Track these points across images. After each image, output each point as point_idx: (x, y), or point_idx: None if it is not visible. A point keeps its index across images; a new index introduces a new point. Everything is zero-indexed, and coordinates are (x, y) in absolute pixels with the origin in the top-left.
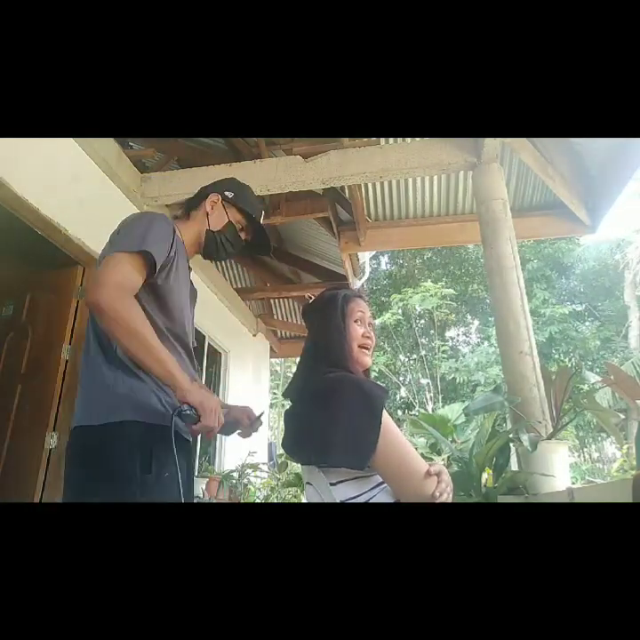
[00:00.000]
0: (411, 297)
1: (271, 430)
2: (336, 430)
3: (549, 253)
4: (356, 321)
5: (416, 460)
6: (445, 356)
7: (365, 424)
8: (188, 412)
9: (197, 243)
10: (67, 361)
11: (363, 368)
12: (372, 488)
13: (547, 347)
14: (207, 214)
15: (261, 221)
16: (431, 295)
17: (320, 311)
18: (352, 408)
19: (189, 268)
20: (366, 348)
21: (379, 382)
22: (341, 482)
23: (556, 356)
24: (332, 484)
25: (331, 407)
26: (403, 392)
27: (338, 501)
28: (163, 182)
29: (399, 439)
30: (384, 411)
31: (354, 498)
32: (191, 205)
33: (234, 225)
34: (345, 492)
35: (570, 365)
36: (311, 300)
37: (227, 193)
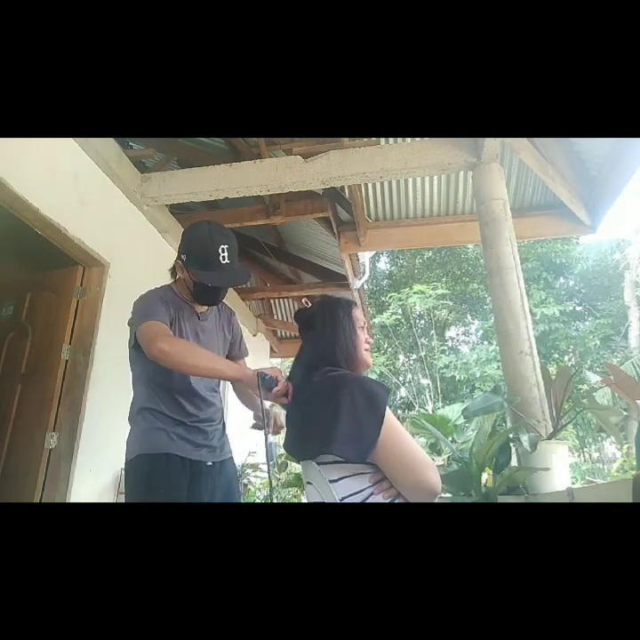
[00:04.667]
0: (408, 297)
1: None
2: (340, 422)
3: (544, 253)
4: (360, 327)
5: (418, 452)
6: (445, 355)
7: (367, 420)
8: (267, 378)
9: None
10: (67, 361)
11: (367, 368)
12: (373, 484)
13: (543, 347)
14: (183, 279)
15: (221, 259)
16: (427, 297)
17: (327, 315)
18: (355, 403)
19: (199, 314)
20: (367, 351)
21: (378, 381)
22: (343, 478)
23: (556, 356)
24: (333, 481)
25: (334, 402)
26: (403, 392)
27: (340, 497)
28: (163, 182)
29: (402, 433)
30: (387, 408)
31: (356, 494)
32: (174, 272)
33: (199, 284)
34: (348, 487)
35: (569, 365)
36: (311, 305)
37: (183, 256)
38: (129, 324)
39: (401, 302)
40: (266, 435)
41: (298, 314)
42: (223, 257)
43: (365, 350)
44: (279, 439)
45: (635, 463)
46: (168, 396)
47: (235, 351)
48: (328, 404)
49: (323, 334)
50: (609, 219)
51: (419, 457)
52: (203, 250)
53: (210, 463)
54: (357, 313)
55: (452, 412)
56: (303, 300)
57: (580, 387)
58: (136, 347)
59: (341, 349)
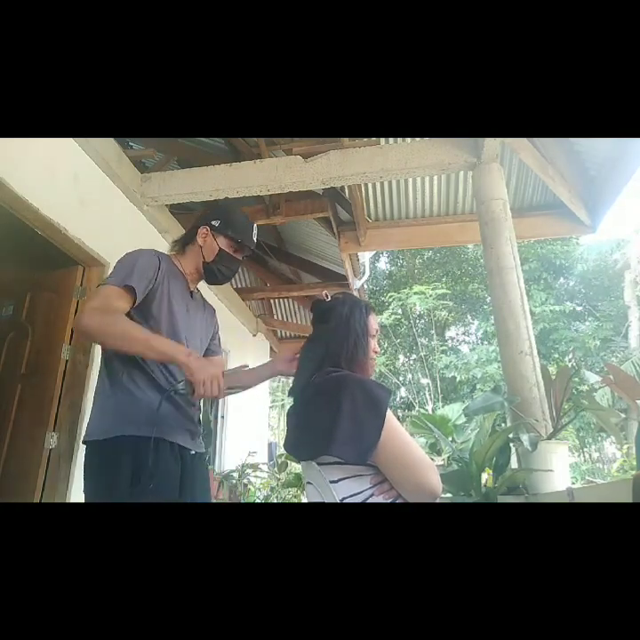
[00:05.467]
0: (408, 297)
1: (271, 430)
2: (340, 423)
3: (544, 254)
4: (371, 335)
5: (419, 454)
6: (445, 355)
7: (368, 421)
8: (182, 390)
9: (198, 273)
10: (67, 361)
11: (368, 376)
12: (374, 485)
13: (543, 347)
14: (201, 247)
15: (253, 236)
16: (427, 297)
17: (344, 313)
18: (356, 405)
19: (192, 292)
20: (373, 360)
21: (380, 383)
22: (343, 479)
23: (556, 356)
24: (333, 482)
25: (336, 403)
26: (403, 392)
27: (340, 498)
28: (163, 182)
29: (402, 435)
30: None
31: (356, 494)
32: (187, 240)
33: (225, 251)
34: (348, 488)
35: (569, 365)
36: (329, 300)
37: (213, 222)
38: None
39: (401, 302)
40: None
41: (315, 304)
42: (255, 234)
43: (371, 359)
44: (279, 439)
45: (635, 463)
46: (162, 364)
47: (214, 346)
48: (329, 405)
49: (334, 332)
50: (609, 219)
51: (419, 458)
52: (242, 220)
53: (193, 452)
54: (373, 320)
55: (452, 411)
56: (323, 293)
57: (580, 387)
58: None
59: (347, 351)
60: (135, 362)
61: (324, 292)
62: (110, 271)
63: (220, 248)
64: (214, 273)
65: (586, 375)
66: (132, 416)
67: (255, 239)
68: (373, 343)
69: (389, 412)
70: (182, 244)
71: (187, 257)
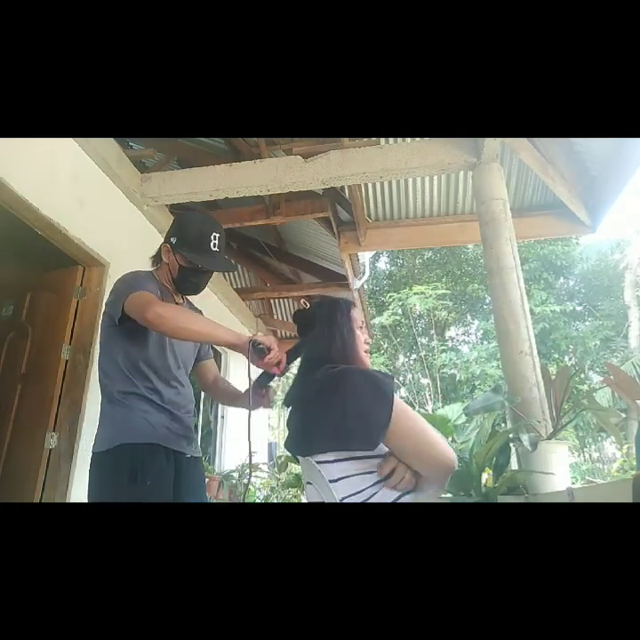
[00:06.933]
0: (408, 297)
1: (271, 430)
2: (349, 415)
3: (544, 254)
4: (358, 327)
5: (432, 432)
6: (445, 353)
7: (377, 407)
8: (261, 345)
9: (173, 286)
10: (67, 361)
11: (365, 368)
12: (374, 484)
13: (543, 347)
14: (167, 264)
15: (212, 246)
16: (426, 297)
17: (326, 315)
18: (362, 394)
19: (177, 303)
20: (366, 352)
21: (380, 370)
22: (343, 478)
23: (556, 356)
24: (332, 481)
25: (340, 397)
26: (403, 392)
27: (340, 498)
28: (163, 182)
29: (413, 415)
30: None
31: (355, 494)
32: (157, 257)
33: (185, 267)
34: (348, 487)
35: (570, 365)
36: (310, 306)
37: (172, 239)
38: (109, 303)
39: (401, 302)
40: (248, 411)
41: (296, 314)
42: (214, 244)
43: (365, 351)
44: (280, 439)
45: (635, 463)
46: (146, 380)
47: (203, 351)
48: (335, 399)
49: (321, 334)
50: (609, 219)
51: (431, 433)
52: (195, 234)
53: (188, 456)
54: (355, 313)
55: (452, 411)
56: (302, 301)
57: (581, 387)
58: (122, 320)
59: (339, 349)
60: (123, 377)
61: (302, 300)
62: (112, 294)
63: (179, 265)
64: (183, 287)
65: (590, 376)
66: (128, 426)
67: (217, 248)
68: (362, 335)
69: (398, 399)
70: (156, 260)
71: (162, 271)
